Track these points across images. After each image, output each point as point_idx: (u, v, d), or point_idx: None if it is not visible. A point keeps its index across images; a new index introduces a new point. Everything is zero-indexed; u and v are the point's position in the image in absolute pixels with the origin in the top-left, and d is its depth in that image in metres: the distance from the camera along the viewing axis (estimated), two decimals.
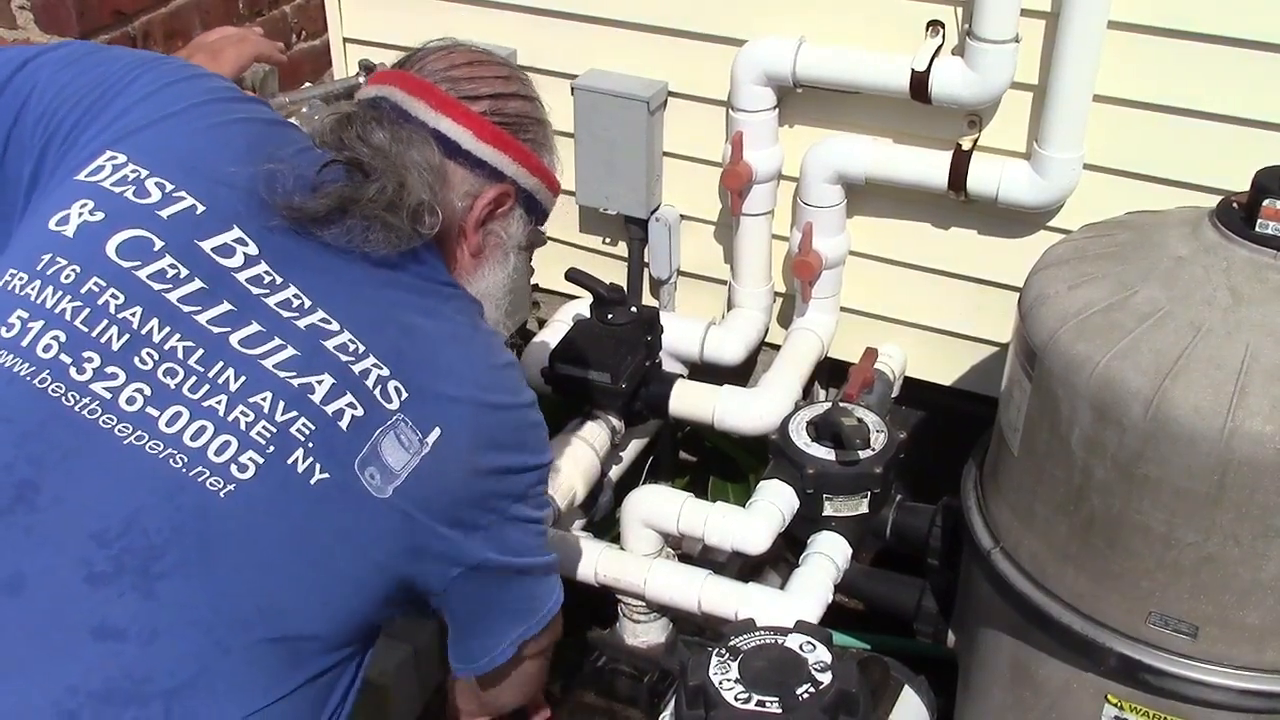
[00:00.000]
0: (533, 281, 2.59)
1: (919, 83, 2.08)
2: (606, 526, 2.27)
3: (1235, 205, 1.61)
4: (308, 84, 2.58)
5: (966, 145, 2.15)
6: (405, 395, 1.20)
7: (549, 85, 2.43)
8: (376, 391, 1.19)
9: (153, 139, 1.26)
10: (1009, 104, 2.11)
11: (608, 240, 2.61)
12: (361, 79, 2.44)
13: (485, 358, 1.30)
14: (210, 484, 1.12)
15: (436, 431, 1.20)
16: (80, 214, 1.21)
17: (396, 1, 2.55)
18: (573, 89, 2.38)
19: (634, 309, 2.22)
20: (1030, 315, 1.65)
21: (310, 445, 1.15)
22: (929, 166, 2.17)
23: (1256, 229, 1.56)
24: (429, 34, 2.47)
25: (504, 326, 1.43)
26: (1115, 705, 1.64)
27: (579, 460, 2.13)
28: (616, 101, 2.34)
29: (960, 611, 1.96)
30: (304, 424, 1.15)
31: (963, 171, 2.14)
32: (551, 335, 2.30)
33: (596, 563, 1.98)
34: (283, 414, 1.15)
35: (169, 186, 1.22)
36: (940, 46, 2.09)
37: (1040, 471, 1.64)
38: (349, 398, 1.17)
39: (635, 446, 2.41)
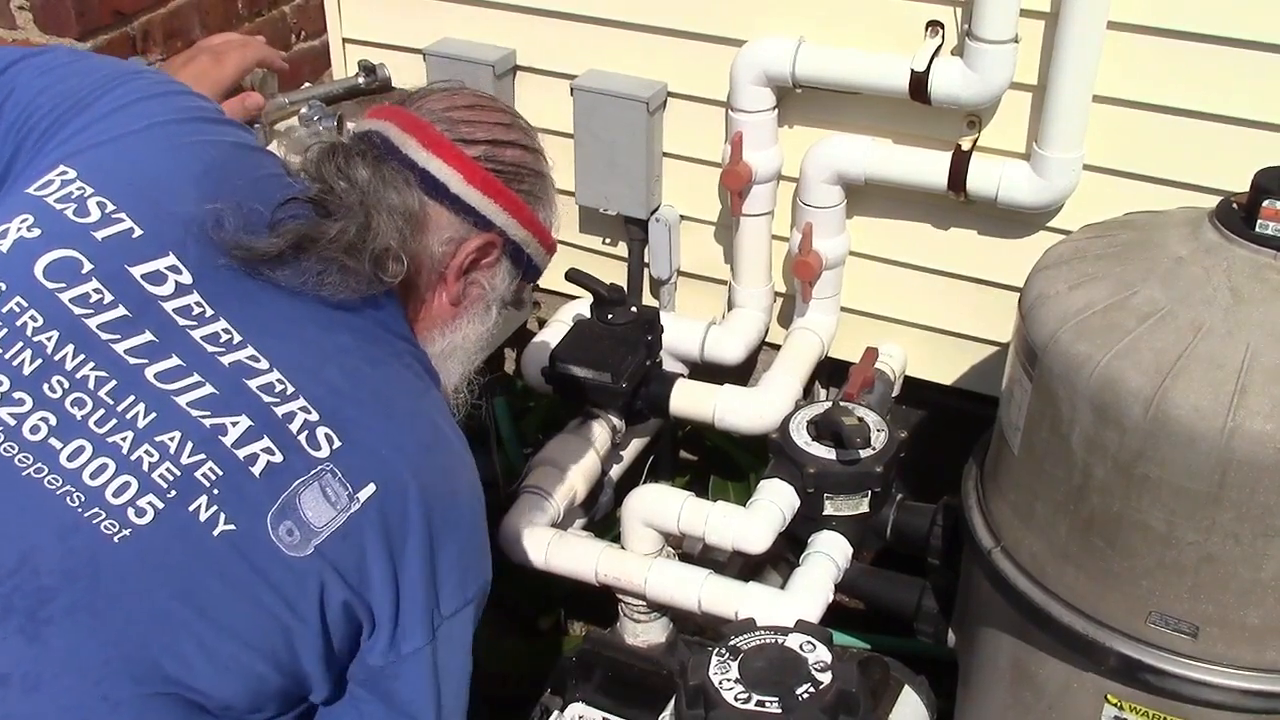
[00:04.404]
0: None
1: (918, 83, 2.08)
2: (607, 526, 2.27)
3: (1235, 205, 1.61)
4: (307, 84, 2.58)
5: (966, 145, 2.15)
6: (338, 444, 1.11)
7: (549, 85, 2.46)
8: (302, 438, 1.10)
9: (106, 156, 1.21)
10: (1009, 104, 2.11)
11: (608, 240, 2.61)
12: (361, 80, 2.45)
13: (433, 420, 1.20)
14: (105, 527, 1.05)
15: (370, 488, 1.11)
16: (19, 229, 1.16)
17: (396, 2, 2.55)
18: (572, 89, 2.37)
19: (634, 309, 2.21)
20: (1030, 315, 1.65)
21: (215, 492, 1.07)
22: (929, 167, 2.17)
23: (1256, 229, 1.56)
24: (429, 34, 2.51)
25: (465, 393, 1.34)
26: (1115, 705, 1.64)
27: (580, 459, 2.13)
28: (616, 102, 2.34)
29: (960, 611, 1.96)
30: (211, 468, 1.08)
31: (962, 172, 2.14)
32: (551, 335, 2.30)
33: (597, 562, 1.98)
34: (189, 456, 1.08)
35: (110, 207, 1.17)
36: (939, 47, 2.09)
37: (1040, 471, 1.64)
38: (266, 442, 1.09)
39: (636, 446, 2.41)
